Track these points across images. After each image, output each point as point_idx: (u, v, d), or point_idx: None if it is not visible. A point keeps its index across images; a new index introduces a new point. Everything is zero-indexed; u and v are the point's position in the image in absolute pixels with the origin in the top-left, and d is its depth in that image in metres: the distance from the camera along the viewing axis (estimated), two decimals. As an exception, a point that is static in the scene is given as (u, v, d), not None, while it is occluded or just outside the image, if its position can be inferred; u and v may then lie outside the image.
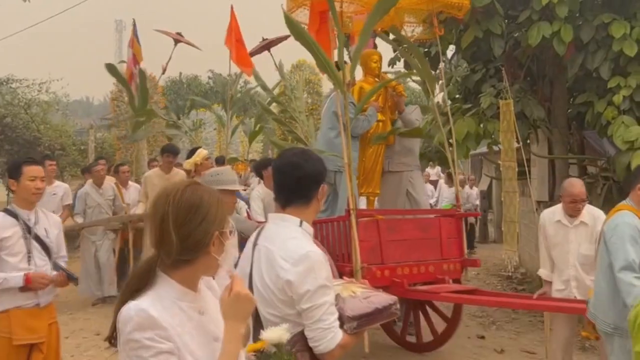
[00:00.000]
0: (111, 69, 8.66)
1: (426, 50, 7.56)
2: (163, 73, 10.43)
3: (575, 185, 4.57)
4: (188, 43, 9.87)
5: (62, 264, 3.89)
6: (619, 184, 6.37)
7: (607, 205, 6.57)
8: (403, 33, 6.59)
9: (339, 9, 5.34)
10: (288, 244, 2.23)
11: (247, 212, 6.54)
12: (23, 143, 15.70)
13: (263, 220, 5.89)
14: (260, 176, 6.82)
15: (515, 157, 6.01)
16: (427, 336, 5.94)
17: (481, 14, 6.44)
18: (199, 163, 6.05)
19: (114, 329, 1.72)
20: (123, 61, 10.50)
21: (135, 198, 8.40)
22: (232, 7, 8.79)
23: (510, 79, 6.65)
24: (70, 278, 3.83)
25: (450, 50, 7.47)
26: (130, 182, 9.07)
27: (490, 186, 16.08)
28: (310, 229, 2.39)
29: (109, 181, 8.83)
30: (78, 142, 18.09)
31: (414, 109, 6.64)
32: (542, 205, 7.72)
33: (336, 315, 2.19)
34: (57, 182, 8.62)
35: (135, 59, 9.58)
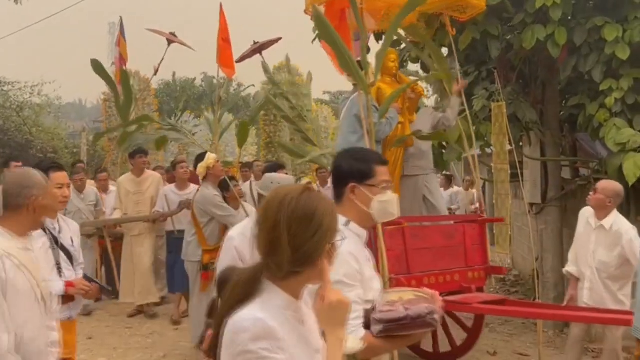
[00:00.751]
0: (97, 66, 7.99)
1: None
2: (155, 74, 10.30)
3: (604, 181, 4.76)
4: (181, 43, 9.65)
5: (80, 271, 3.76)
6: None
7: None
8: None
9: (360, 5, 5.05)
10: None
11: None
12: (15, 146, 15.64)
13: None
14: None
15: (507, 159, 6.01)
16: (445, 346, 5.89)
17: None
18: (212, 166, 5.94)
19: (216, 339, 1.65)
20: (114, 63, 10.27)
21: (113, 205, 8.10)
22: (221, 5, 8.57)
23: (503, 82, 6.65)
24: (103, 290, 3.67)
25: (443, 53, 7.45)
26: (111, 187, 8.88)
27: (483, 188, 16.12)
28: (361, 231, 2.37)
29: (92, 185, 8.61)
30: (71, 145, 18.05)
31: (431, 111, 6.43)
32: (535, 207, 7.73)
33: (357, 314, 2.15)
34: None
35: (122, 58, 9.24)
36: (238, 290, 1.68)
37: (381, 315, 2.16)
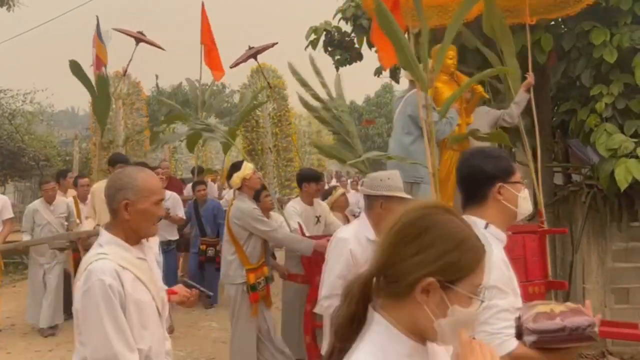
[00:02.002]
0: (75, 68, 7.51)
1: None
2: (124, 74, 10.07)
3: None
4: (151, 43, 9.25)
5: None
6: (603, 191, 6.39)
7: (592, 213, 6.60)
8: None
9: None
10: None
11: (301, 227, 5.78)
12: (7, 154, 15.60)
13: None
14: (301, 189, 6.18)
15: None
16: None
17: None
18: (248, 177, 5.49)
19: None
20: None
21: (86, 214, 7.62)
22: (202, 5, 8.20)
23: (494, 88, 6.65)
24: (202, 296, 3.26)
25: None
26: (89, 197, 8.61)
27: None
28: (500, 234, 2.29)
29: (71, 194, 8.26)
30: (63, 153, 17.99)
31: (487, 110, 6.04)
32: (527, 213, 7.72)
33: (509, 323, 2.07)
34: None
35: (100, 60, 8.83)
36: (346, 328, 1.39)
37: (535, 325, 2.03)
